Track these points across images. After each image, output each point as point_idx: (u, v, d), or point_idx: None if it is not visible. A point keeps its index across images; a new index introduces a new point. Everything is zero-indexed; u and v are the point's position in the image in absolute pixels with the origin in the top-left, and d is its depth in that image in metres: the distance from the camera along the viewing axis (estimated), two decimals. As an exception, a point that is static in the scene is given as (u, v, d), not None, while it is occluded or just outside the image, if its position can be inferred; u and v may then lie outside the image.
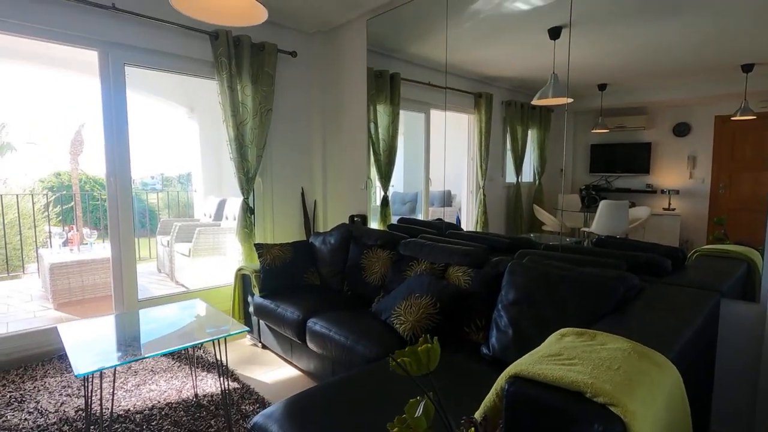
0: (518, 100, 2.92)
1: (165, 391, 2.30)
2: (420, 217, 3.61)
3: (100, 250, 4.32)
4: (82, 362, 1.49)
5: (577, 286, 1.68)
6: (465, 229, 3.16)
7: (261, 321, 2.83)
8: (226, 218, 4.79)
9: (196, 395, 2.25)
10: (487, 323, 1.95)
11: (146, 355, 1.64)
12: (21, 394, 2.27)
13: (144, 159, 10.18)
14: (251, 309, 2.90)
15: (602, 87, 2.43)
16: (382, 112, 3.44)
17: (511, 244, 2.50)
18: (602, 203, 2.48)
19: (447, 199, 3.45)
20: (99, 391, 2.11)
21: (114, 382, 2.26)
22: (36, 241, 5.32)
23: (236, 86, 3.23)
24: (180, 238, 4.46)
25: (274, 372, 2.59)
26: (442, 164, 3.23)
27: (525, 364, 1.03)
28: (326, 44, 3.81)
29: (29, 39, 2.63)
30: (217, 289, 3.56)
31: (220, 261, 4.25)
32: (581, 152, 2.54)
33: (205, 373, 2.52)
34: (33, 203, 5.55)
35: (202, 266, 4.15)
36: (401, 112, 3.43)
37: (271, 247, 2.90)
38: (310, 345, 2.32)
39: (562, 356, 1.06)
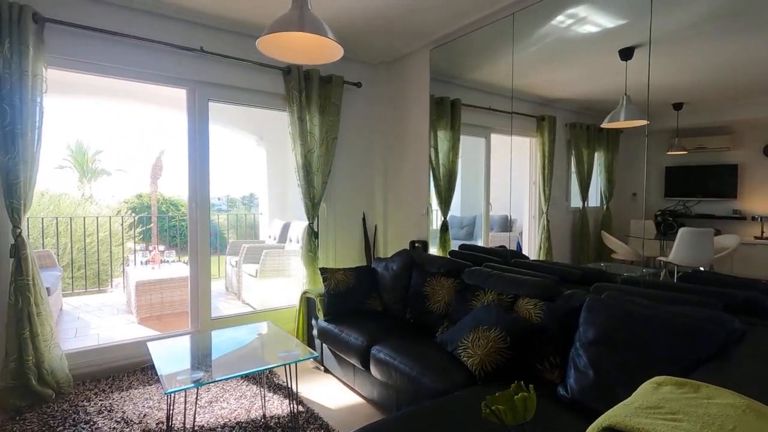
0: (583, 122, 2.82)
1: (235, 410, 2.39)
2: (480, 242, 3.53)
3: (176, 268, 4.65)
4: (170, 380, 1.60)
5: (666, 328, 1.55)
6: (527, 257, 3.05)
7: (324, 344, 2.88)
8: (290, 241, 4.98)
9: (264, 416, 2.32)
10: (562, 361, 1.84)
11: (228, 376, 1.72)
12: (110, 403, 2.46)
13: (212, 182, 10.88)
14: (315, 332, 2.96)
15: (678, 106, 2.28)
16: (443, 137, 3.46)
17: (582, 275, 2.37)
18: (682, 231, 2.28)
19: (507, 225, 3.35)
20: (183, 405, 2.24)
21: (195, 397, 2.38)
22: (123, 257, 5.86)
23: (305, 117, 3.41)
24: (248, 259, 4.70)
25: (337, 397, 2.61)
26: (501, 189, 3.18)
27: (621, 416, 0.95)
28: (389, 74, 3.94)
29: (132, 81, 2.98)
30: (281, 310, 3.68)
31: (285, 282, 4.40)
32: (655, 175, 2.38)
33: (271, 393, 2.59)
34: (122, 224, 6.15)
35: (267, 287, 4.33)
36: (461, 137, 3.44)
37: (335, 272, 2.97)
38: (374, 373, 2.31)
39: (663, 409, 0.97)
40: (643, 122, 2.25)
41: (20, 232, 2.43)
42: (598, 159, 2.76)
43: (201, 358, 2.04)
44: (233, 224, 8.00)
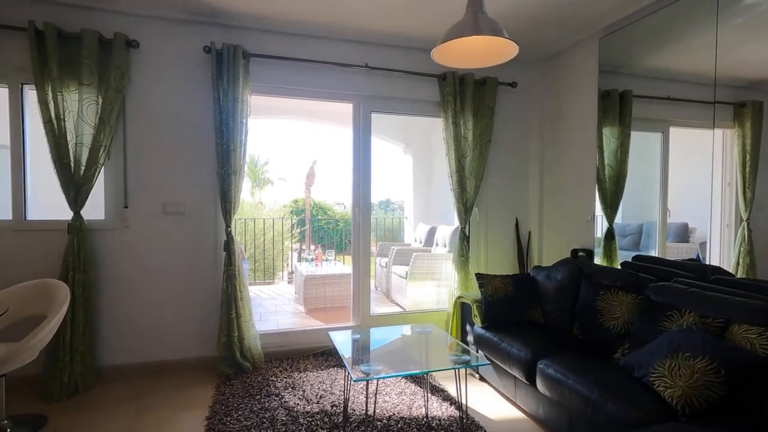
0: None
1: (397, 405, 2.51)
2: (653, 253, 3.04)
3: (331, 266, 5.14)
4: (355, 369, 1.75)
5: None
6: (732, 273, 2.49)
7: (479, 352, 2.82)
8: (437, 245, 5.06)
9: (426, 416, 2.37)
10: (810, 411, 1.44)
11: (408, 372, 1.81)
12: (293, 381, 2.82)
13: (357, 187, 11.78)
14: (470, 338, 2.92)
15: None
16: (609, 135, 3.09)
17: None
18: None
19: (684, 234, 2.82)
20: (352, 392, 2.44)
21: (366, 387, 2.58)
22: (292, 254, 6.74)
23: (459, 121, 3.42)
24: (397, 261, 4.92)
25: (496, 408, 2.52)
26: (679, 192, 2.69)
27: None
28: (547, 71, 3.70)
29: (308, 100, 3.39)
30: (431, 313, 3.74)
31: (433, 286, 4.48)
32: None
33: (429, 394, 2.64)
34: (284, 226, 7.08)
35: (416, 289, 4.46)
36: (631, 133, 3.01)
37: (492, 278, 2.89)
38: (541, 388, 2.17)
39: None
40: None
41: (230, 231, 2.97)
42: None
43: (376, 351, 2.19)
44: (372, 227, 8.53)
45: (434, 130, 6.40)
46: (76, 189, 2.64)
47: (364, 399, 2.57)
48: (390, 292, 5.02)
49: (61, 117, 2.60)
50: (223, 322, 2.93)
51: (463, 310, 3.13)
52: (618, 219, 3.26)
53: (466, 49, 1.89)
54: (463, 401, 2.42)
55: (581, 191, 3.35)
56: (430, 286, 4.49)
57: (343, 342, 2.19)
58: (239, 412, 2.40)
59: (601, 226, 3.26)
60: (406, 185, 6.77)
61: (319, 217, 10.59)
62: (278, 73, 3.15)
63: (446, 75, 3.39)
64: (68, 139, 2.61)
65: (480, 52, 1.89)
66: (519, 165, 3.83)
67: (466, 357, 1.92)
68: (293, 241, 8.40)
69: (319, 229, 10.09)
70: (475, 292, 3.30)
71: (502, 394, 2.68)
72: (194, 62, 2.98)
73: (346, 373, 2.34)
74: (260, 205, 10.62)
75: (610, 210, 3.15)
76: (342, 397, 2.59)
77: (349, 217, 11.18)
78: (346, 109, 3.50)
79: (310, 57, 3.18)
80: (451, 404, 2.52)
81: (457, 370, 1.93)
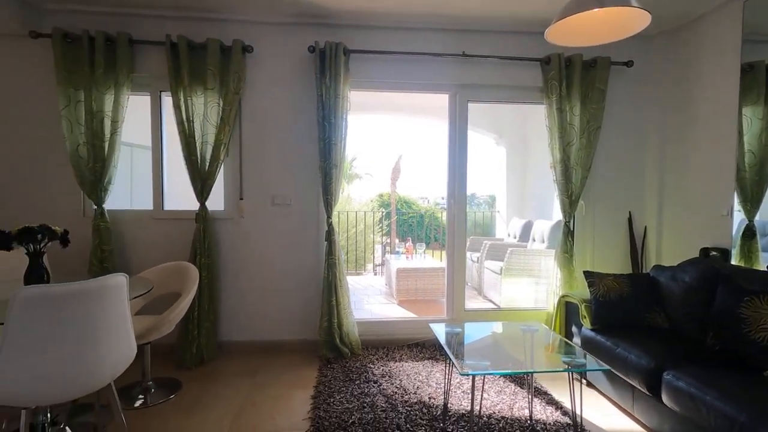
0: None
1: (496, 404, 2.42)
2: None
3: (421, 259, 5.13)
4: (462, 363, 1.72)
5: None
6: None
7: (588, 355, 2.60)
8: (533, 240, 4.79)
9: (530, 418, 2.25)
10: None
11: (519, 371, 1.73)
12: (389, 370, 2.88)
13: (436, 181, 11.74)
14: (576, 340, 2.72)
15: None
16: (751, 116, 2.64)
17: None
18: None
19: None
20: (471, 393, 2.41)
21: (472, 383, 2.54)
22: (378, 247, 6.90)
23: (565, 107, 3.18)
24: (490, 256, 4.76)
25: (609, 419, 2.31)
26: None
27: None
28: (671, 45, 3.26)
29: (403, 93, 3.41)
30: (529, 311, 3.56)
31: (529, 283, 4.26)
32: None
33: (532, 395, 2.51)
34: (374, 219, 7.25)
35: (511, 286, 4.28)
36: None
37: (603, 277, 2.65)
38: (668, 402, 1.93)
39: None
40: None
41: (331, 222, 3.11)
42: None
43: (476, 347, 2.14)
44: (451, 221, 8.43)
45: (531, 118, 6.06)
46: (202, 182, 2.97)
47: (462, 393, 2.53)
48: (482, 287, 4.88)
49: (191, 119, 2.93)
50: (324, 308, 3.09)
51: (567, 309, 2.92)
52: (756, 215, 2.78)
53: (584, 25, 1.73)
54: (578, 409, 2.25)
55: (714, 182, 2.91)
56: (527, 283, 4.27)
57: (443, 335, 2.17)
58: (341, 395, 2.51)
59: (735, 223, 2.80)
60: (497, 178, 6.51)
61: (404, 211, 10.68)
62: (376, 67, 3.21)
63: (550, 58, 3.16)
64: (195, 138, 2.94)
65: (600, 27, 1.71)
66: (633, 153, 3.44)
67: (580, 360, 1.77)
68: (381, 234, 8.60)
69: (403, 223, 10.19)
70: (580, 291, 3.06)
71: (615, 404, 2.44)
72: (299, 62, 3.15)
73: (448, 366, 2.32)
74: (349, 199, 11.04)
75: (751, 204, 2.70)
76: (438, 389, 2.57)
77: (433, 212, 11.16)
78: (435, 101, 3.46)
79: (407, 49, 3.18)
80: (556, 409, 2.37)
81: (570, 374, 1.79)
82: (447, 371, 2.30)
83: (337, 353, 3.08)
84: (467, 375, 1.64)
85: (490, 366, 1.71)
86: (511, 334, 2.36)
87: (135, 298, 1.93)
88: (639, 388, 2.12)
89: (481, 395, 2.47)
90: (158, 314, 2.47)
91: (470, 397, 2.48)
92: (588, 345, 2.54)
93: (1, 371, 1.44)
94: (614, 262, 3.46)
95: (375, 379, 2.74)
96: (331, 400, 2.46)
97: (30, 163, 3.02)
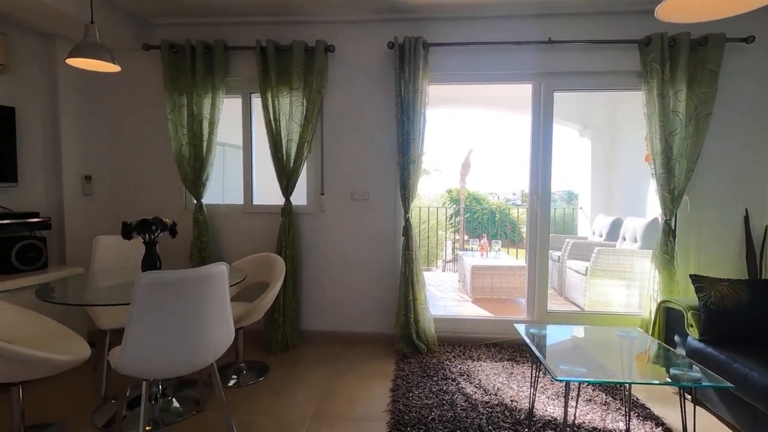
0: None
1: (586, 414, 2.26)
2: None
3: (497, 257, 4.95)
4: (556, 368, 1.62)
5: None
6: None
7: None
8: (623, 239, 4.41)
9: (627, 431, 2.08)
10: None
11: (631, 381, 1.60)
12: (467, 369, 2.82)
13: (508, 176, 11.25)
14: (679, 351, 2.45)
15: None
16: None
17: None
18: None
19: None
20: (564, 400, 2.31)
21: (566, 390, 2.42)
22: (454, 243, 6.80)
23: (668, 92, 2.86)
24: (573, 255, 4.47)
25: (721, 441, 2.06)
26: None
27: None
28: (806, 14, 2.79)
29: (483, 84, 3.29)
30: (618, 316, 3.28)
31: (619, 285, 3.93)
32: None
33: (629, 408, 2.31)
34: (446, 214, 7.14)
35: (598, 288, 3.98)
36: None
37: (715, 282, 2.35)
38: (803, 430, 1.66)
39: None
40: None
41: (408, 217, 3.11)
42: None
43: (563, 351, 2.01)
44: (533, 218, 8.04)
45: (622, 106, 5.58)
46: (287, 178, 3.12)
47: (547, 399, 2.40)
48: (563, 288, 4.60)
49: (277, 118, 3.09)
50: (401, 302, 3.11)
51: (668, 317, 2.64)
52: None
53: (705, -2, 1.53)
54: (665, 423, 2.04)
55: None
56: (616, 285, 3.94)
57: (529, 337, 2.06)
58: (419, 390, 2.51)
59: None
60: (580, 172, 6.09)
61: (474, 207, 10.42)
62: (455, 60, 3.14)
63: (650, 38, 2.86)
64: (282, 137, 3.10)
65: (725, -2, 1.50)
66: (752, 142, 3.01)
67: (694, 374, 1.58)
68: (451, 230, 8.47)
69: (473, 220, 9.94)
70: (683, 296, 2.76)
71: (730, 425, 2.16)
72: (377, 59, 3.18)
73: (535, 369, 2.22)
74: (418, 195, 11.00)
75: None
76: (520, 393, 2.47)
77: (506, 208, 10.74)
78: (512, 92, 3.30)
79: (487, 39, 3.07)
80: (656, 425, 2.16)
81: (681, 390, 1.61)
82: (533, 374, 2.19)
83: (413, 348, 3.09)
84: (561, 381, 1.54)
85: (587, 373, 1.60)
86: (602, 340, 2.19)
87: (232, 286, 2.08)
88: (765, 411, 1.86)
89: (576, 403, 2.32)
90: (248, 302, 2.65)
91: (557, 404, 2.35)
92: (695, 357, 2.27)
93: (127, 347, 1.63)
94: (724, 266, 3.07)
95: (453, 377, 2.70)
96: (410, 394, 2.46)
97: (142, 162, 3.39)
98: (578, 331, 2.36)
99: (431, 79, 3.12)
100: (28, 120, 2.98)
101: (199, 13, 3.15)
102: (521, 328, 2.12)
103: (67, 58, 2.19)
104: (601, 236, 4.95)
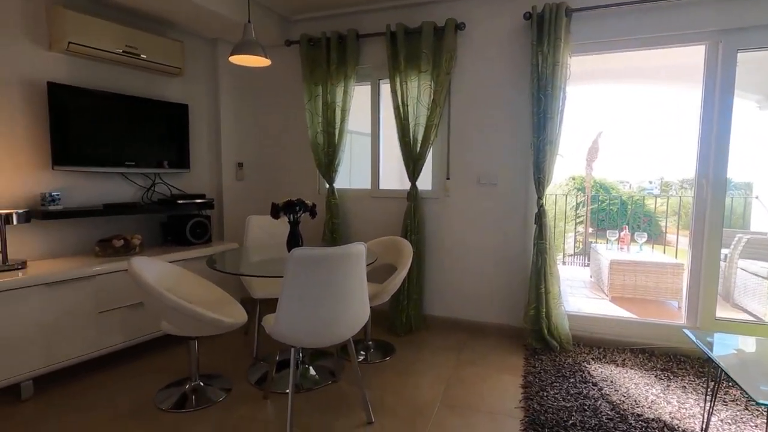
0: None
1: (778, 447, 1.83)
2: None
3: (638, 251, 4.32)
4: (757, 389, 1.32)
5: None
6: None
7: None
8: (826, 237, 3.48)
9: None
10: None
11: None
12: (609, 374, 2.51)
13: (642, 162, 9.76)
14: None
15: None
16: None
17: None
18: None
19: None
20: (727, 420, 1.95)
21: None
22: (576, 235, 6.18)
23: None
24: (747, 254, 3.69)
25: None
26: None
27: None
28: None
29: (644, 50, 2.84)
30: (823, 332, 2.59)
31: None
32: None
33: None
34: (566, 204, 6.47)
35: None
36: None
37: None
38: None
39: None
40: None
41: (542, 203, 2.87)
42: None
43: (760, 367, 1.64)
44: (674, 210, 6.90)
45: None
46: (413, 163, 3.12)
47: (719, 422, 2.01)
48: (731, 291, 3.83)
49: (405, 102, 3.09)
50: (531, 295, 2.90)
51: None
52: None
53: None
54: None
55: None
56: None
57: (708, 348, 1.73)
58: (555, 390, 2.32)
59: None
60: (755, 154, 4.96)
61: (600, 197, 9.31)
62: (604, 25, 2.76)
63: None
64: (409, 121, 3.10)
65: None
66: None
67: None
68: (574, 221, 7.70)
69: (599, 210, 8.88)
70: None
71: None
72: (511, 33, 2.96)
73: (711, 385, 1.87)
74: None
75: None
76: (682, 410, 2.10)
77: (639, 198, 9.39)
78: (656, 60, 2.74)
79: (648, -4, 2.62)
80: None
81: None
82: (708, 390, 1.85)
83: (544, 344, 2.87)
84: (764, 405, 1.24)
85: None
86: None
87: (367, 266, 2.15)
88: None
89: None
90: (376, 283, 2.73)
91: (734, 430, 1.95)
92: None
93: (280, 315, 1.79)
94: None
95: (594, 381, 2.43)
96: (544, 393, 2.29)
97: (282, 149, 3.72)
98: (759, 344, 1.90)
99: (575, 50, 2.80)
100: (196, 115, 3.47)
101: (332, 5, 3.29)
102: (692, 335, 1.78)
103: (230, 55, 2.47)
104: (788, 232, 3.99)
